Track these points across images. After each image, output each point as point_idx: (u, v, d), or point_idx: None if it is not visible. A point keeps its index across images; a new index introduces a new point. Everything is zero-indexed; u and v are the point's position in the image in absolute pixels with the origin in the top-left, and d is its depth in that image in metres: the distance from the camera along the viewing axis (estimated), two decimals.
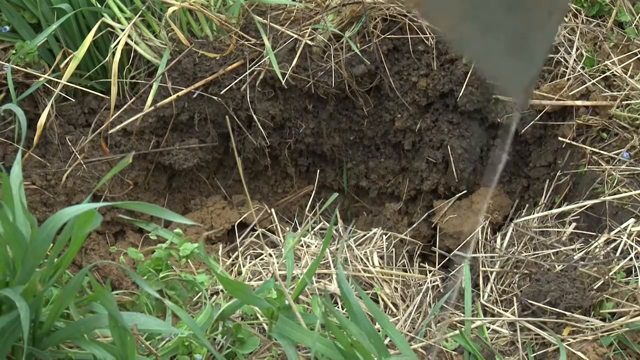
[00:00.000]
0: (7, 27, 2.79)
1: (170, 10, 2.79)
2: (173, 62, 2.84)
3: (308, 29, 2.91)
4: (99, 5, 2.83)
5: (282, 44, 2.88)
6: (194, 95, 2.87)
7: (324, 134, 3.08)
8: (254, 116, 2.89)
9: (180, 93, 2.83)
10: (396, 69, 2.98)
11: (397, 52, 2.98)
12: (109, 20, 2.83)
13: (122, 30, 2.80)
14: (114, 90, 2.78)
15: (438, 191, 3.09)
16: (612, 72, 2.89)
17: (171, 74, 2.85)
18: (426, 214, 3.06)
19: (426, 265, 2.83)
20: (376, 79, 2.98)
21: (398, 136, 3.09)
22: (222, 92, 2.87)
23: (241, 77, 2.85)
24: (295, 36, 2.87)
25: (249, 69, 2.84)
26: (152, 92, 2.82)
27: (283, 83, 2.82)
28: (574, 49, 2.99)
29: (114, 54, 2.76)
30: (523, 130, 2.92)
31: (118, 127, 2.80)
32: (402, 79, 2.98)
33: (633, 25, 3.04)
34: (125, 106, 2.83)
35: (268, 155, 3.07)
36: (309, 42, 2.88)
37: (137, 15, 2.84)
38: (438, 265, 2.80)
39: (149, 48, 2.88)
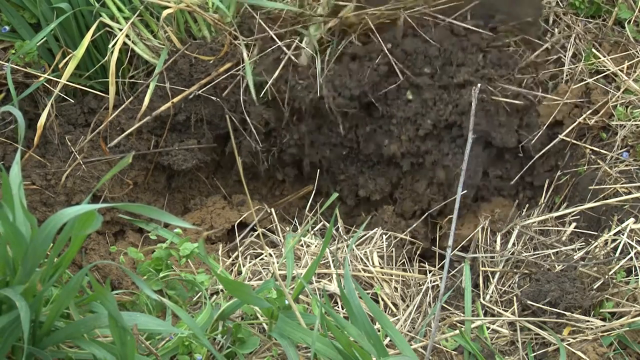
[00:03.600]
0: (7, 27, 2.79)
1: (166, 12, 2.79)
2: (168, 63, 2.84)
3: (294, 41, 2.89)
4: (97, 5, 2.82)
5: (268, 52, 2.86)
6: (190, 96, 2.87)
7: (309, 145, 3.05)
8: (248, 119, 2.89)
9: (175, 100, 2.82)
10: (392, 94, 2.93)
11: (395, 75, 2.92)
12: (107, 20, 2.82)
13: (120, 29, 2.80)
14: (112, 90, 2.77)
15: (445, 213, 3.05)
16: (612, 71, 2.90)
17: (168, 74, 2.85)
18: (426, 213, 3.05)
19: (426, 265, 2.83)
20: (367, 100, 2.93)
21: (396, 158, 3.02)
22: (218, 95, 2.87)
23: (235, 80, 2.85)
24: (282, 47, 2.85)
25: (242, 72, 2.84)
26: (149, 92, 2.82)
27: (256, 103, 2.82)
28: (574, 49, 2.99)
29: (112, 53, 2.75)
30: (529, 142, 2.91)
31: (118, 139, 2.80)
32: (399, 108, 2.94)
33: (632, 22, 3.04)
34: (122, 106, 2.82)
35: (265, 159, 3.05)
36: (293, 57, 2.86)
37: (135, 15, 2.84)
38: (438, 265, 2.80)
39: (147, 48, 2.88)
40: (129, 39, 2.83)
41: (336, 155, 3.10)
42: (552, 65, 2.99)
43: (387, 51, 2.85)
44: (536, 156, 2.89)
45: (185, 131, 2.96)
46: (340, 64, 2.91)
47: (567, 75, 2.93)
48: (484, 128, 2.87)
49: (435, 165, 2.98)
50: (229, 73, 2.85)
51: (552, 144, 2.86)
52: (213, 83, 2.85)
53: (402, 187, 3.11)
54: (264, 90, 2.82)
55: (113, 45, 2.77)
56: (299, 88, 2.88)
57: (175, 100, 2.83)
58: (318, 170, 3.12)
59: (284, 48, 2.85)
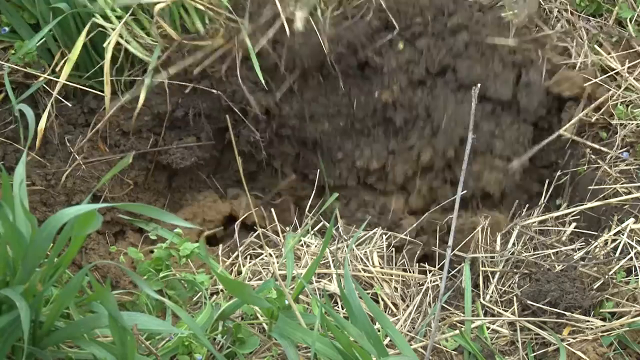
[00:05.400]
0: (7, 28, 2.79)
1: (158, 7, 2.79)
2: (162, 58, 2.83)
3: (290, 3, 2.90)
4: (89, 5, 2.81)
5: (264, 22, 2.86)
6: (187, 91, 2.86)
7: (308, 117, 3.05)
8: (248, 109, 2.90)
9: (172, 71, 2.82)
10: (387, 43, 2.95)
11: (387, 30, 2.94)
12: (100, 20, 2.81)
13: (114, 29, 2.80)
14: (107, 89, 2.76)
15: (434, 168, 3.04)
16: (614, 70, 2.90)
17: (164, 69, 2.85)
18: (427, 213, 3.05)
19: (426, 265, 2.83)
20: (363, 55, 2.94)
21: (389, 112, 3.03)
22: (214, 85, 2.87)
23: (229, 58, 2.85)
24: (279, 8, 2.85)
25: (235, 51, 2.84)
26: (144, 89, 2.81)
27: (260, 78, 2.81)
28: (575, 47, 2.99)
29: (106, 53, 2.75)
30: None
31: (118, 137, 2.81)
32: (396, 56, 2.94)
33: (633, 21, 3.05)
34: (118, 104, 2.82)
35: (263, 149, 3.05)
36: (286, 23, 2.86)
37: (128, 14, 2.83)
38: (438, 265, 2.80)
39: (140, 46, 2.87)
40: (122, 38, 2.82)
41: (334, 127, 3.09)
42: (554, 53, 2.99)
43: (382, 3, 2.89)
44: (535, 149, 2.88)
45: (185, 128, 2.96)
46: (336, 22, 2.93)
47: (574, 64, 2.92)
48: (479, 73, 2.86)
49: (428, 113, 2.96)
50: (223, 50, 2.84)
51: (550, 138, 2.85)
52: (211, 70, 2.85)
53: (395, 154, 3.10)
54: (257, 47, 2.82)
55: (107, 45, 2.77)
56: (297, 47, 2.88)
57: (171, 72, 2.82)
58: (316, 169, 3.12)
59: (280, 9, 2.84)
